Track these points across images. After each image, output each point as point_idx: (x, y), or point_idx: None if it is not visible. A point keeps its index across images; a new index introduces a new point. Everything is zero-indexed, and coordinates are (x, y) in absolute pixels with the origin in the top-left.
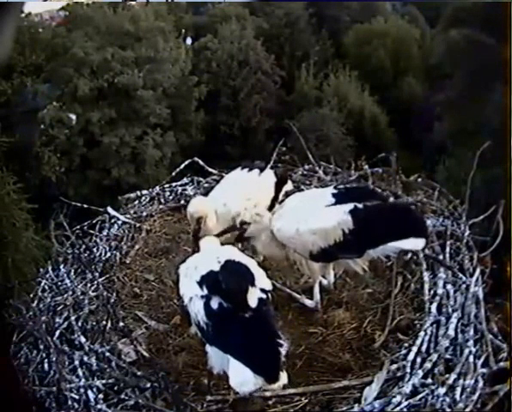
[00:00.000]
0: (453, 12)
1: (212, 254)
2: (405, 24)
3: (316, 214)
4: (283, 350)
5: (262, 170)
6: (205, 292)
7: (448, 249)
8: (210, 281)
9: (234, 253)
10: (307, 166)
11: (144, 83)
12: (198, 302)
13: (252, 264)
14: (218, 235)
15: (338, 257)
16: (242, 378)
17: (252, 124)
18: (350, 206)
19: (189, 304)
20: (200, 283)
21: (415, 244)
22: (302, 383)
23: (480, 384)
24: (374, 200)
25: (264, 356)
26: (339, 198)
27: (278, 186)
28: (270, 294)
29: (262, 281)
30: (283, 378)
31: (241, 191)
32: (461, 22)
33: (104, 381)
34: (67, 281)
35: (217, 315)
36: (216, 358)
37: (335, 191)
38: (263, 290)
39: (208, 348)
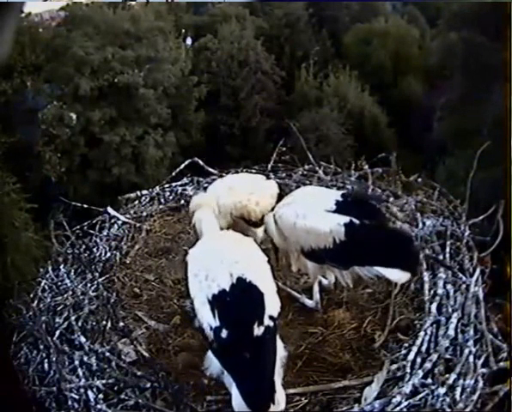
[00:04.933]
0: (451, 15)
1: (224, 257)
2: (405, 24)
3: (315, 214)
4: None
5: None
6: (217, 323)
7: (448, 249)
8: (221, 307)
9: (249, 262)
10: (307, 166)
11: (145, 83)
12: (210, 330)
13: (265, 281)
14: None
15: (325, 263)
16: (241, 402)
17: (252, 124)
18: (347, 219)
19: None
20: (212, 306)
21: (398, 276)
22: (302, 383)
23: (480, 384)
24: (376, 220)
25: (255, 394)
26: (341, 207)
27: (279, 200)
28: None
29: (272, 305)
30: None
31: (247, 184)
32: (460, 25)
33: (104, 381)
34: (67, 281)
35: (226, 343)
36: (215, 366)
37: (340, 199)
38: (271, 317)
39: (209, 352)
